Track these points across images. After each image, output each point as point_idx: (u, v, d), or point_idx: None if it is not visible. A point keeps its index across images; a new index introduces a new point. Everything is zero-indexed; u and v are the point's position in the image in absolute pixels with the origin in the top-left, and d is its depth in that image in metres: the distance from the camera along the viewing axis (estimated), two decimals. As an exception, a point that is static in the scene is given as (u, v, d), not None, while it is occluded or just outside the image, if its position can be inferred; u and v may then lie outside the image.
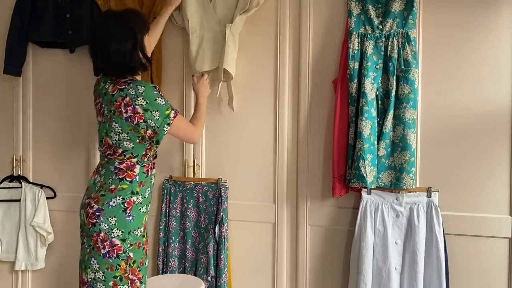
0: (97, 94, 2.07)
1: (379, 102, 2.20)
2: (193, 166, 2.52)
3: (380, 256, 2.18)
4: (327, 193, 2.34)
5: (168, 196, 2.51)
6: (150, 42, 2.11)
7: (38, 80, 2.75)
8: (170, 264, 2.48)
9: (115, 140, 1.96)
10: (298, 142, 2.39)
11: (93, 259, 1.92)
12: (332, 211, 2.35)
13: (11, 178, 2.76)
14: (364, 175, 2.11)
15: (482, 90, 2.14)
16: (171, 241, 2.48)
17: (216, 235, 2.40)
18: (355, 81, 2.20)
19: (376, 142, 2.17)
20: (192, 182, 2.49)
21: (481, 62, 2.14)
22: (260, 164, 2.44)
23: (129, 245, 1.93)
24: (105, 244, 1.90)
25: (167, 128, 1.96)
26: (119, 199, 1.93)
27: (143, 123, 1.93)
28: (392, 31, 2.18)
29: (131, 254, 1.94)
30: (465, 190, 2.17)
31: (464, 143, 2.17)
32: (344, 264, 2.33)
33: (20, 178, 2.74)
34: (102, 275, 1.91)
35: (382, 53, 2.19)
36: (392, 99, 2.14)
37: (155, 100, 1.93)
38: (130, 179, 1.97)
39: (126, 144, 1.96)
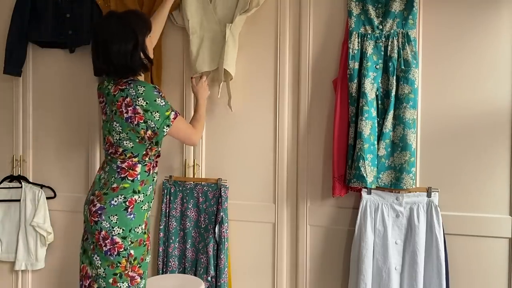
0: (100, 93, 2.09)
1: (379, 102, 2.20)
2: (193, 166, 2.52)
3: (380, 256, 2.18)
4: (327, 193, 2.34)
5: (168, 196, 2.51)
6: (152, 41, 2.12)
7: (38, 80, 2.75)
8: (170, 264, 2.48)
9: (116, 139, 1.99)
10: (298, 142, 2.39)
11: (95, 255, 1.96)
12: (332, 211, 2.35)
13: (11, 178, 2.76)
14: (364, 175, 2.11)
15: (482, 90, 2.14)
16: (171, 241, 2.48)
17: (216, 235, 2.40)
18: (355, 81, 2.20)
19: (376, 142, 2.17)
20: (192, 182, 2.49)
21: (481, 62, 2.14)
22: (260, 164, 2.44)
23: (130, 242, 1.95)
24: (107, 242, 1.93)
25: (166, 129, 1.97)
26: (120, 198, 1.96)
27: (143, 124, 1.94)
28: (392, 31, 2.18)
29: (132, 251, 1.96)
30: (465, 190, 2.17)
31: (464, 143, 2.17)
32: (344, 264, 2.33)
33: (20, 178, 2.74)
34: (103, 272, 1.94)
35: (382, 53, 2.19)
36: (392, 99, 2.14)
37: (155, 100, 1.94)
38: (131, 178, 1.99)
39: (126, 143, 1.98)
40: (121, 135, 1.97)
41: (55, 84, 2.73)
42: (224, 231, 2.40)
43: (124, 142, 1.98)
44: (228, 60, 2.31)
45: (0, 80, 2.75)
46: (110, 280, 1.94)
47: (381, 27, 2.20)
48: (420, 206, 2.16)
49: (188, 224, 2.47)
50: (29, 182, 2.74)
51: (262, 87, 2.43)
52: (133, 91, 1.94)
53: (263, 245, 2.45)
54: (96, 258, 1.96)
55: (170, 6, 2.33)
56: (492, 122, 2.13)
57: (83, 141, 2.69)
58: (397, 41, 2.16)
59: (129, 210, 1.96)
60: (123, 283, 1.95)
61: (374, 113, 2.17)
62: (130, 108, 1.93)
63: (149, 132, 1.96)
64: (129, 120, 1.94)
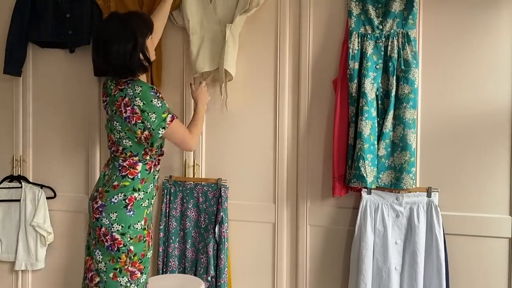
0: (104, 92, 2.12)
1: (379, 102, 2.20)
2: (193, 166, 2.52)
3: (380, 256, 2.18)
4: (327, 193, 2.34)
5: (168, 196, 2.51)
6: (153, 41, 2.14)
7: (38, 80, 2.75)
8: (170, 264, 2.48)
9: (117, 138, 2.03)
10: (298, 142, 2.39)
11: (97, 250, 2.01)
12: (332, 211, 2.35)
13: (11, 178, 2.76)
14: (364, 175, 2.11)
15: (482, 90, 2.14)
16: (171, 241, 2.48)
17: (216, 235, 2.40)
18: (355, 81, 2.20)
19: (376, 142, 2.17)
20: (192, 182, 2.49)
21: (481, 62, 2.14)
22: (260, 164, 2.44)
23: (129, 238, 1.98)
24: (107, 238, 1.98)
25: (162, 131, 1.98)
26: (121, 196, 2.00)
27: (141, 124, 1.96)
28: (392, 31, 2.18)
29: (131, 247, 1.99)
30: (465, 190, 2.17)
31: (464, 143, 2.17)
32: (344, 264, 2.33)
33: (20, 178, 2.74)
34: (104, 266, 2.00)
35: (382, 53, 2.19)
36: (392, 99, 2.14)
37: (151, 101, 1.96)
38: (132, 177, 2.02)
39: (125, 142, 2.02)
40: (121, 134, 2.01)
41: (55, 84, 2.73)
42: (224, 231, 2.40)
43: (124, 141, 2.02)
44: (228, 60, 2.31)
45: (0, 80, 2.75)
46: (111, 275, 1.99)
47: (381, 27, 2.20)
48: (420, 206, 2.16)
49: (188, 224, 2.47)
50: (29, 182, 2.74)
51: (262, 87, 2.43)
52: (131, 91, 1.96)
53: (263, 245, 2.45)
54: (98, 253, 2.01)
55: (171, 3, 2.33)
56: (492, 122, 2.13)
57: (83, 141, 2.69)
58: (397, 41, 2.16)
59: (129, 207, 2.00)
60: (123, 277, 1.99)
61: (374, 113, 2.17)
62: (129, 108, 1.96)
63: (146, 132, 1.98)
64: (127, 120, 1.97)
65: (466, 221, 2.16)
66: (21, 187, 2.71)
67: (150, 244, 2.10)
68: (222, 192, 2.43)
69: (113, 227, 1.98)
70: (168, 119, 1.98)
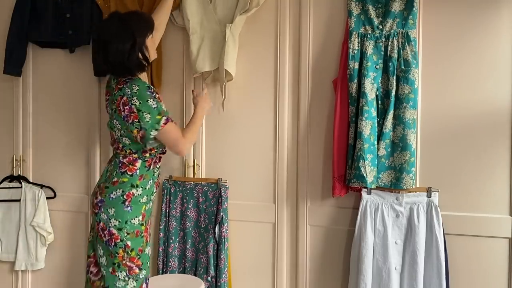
0: (107, 91, 2.16)
1: (379, 102, 2.20)
2: (193, 166, 2.52)
3: (380, 256, 2.18)
4: (327, 193, 2.34)
5: (168, 196, 2.51)
6: (155, 40, 2.15)
7: (38, 80, 2.75)
8: (170, 264, 2.48)
9: (117, 135, 2.08)
10: (298, 142, 2.39)
11: (99, 245, 2.06)
12: (332, 211, 2.35)
13: (11, 178, 2.76)
14: (364, 175, 2.11)
15: (482, 90, 2.14)
16: (171, 241, 2.48)
17: (216, 235, 2.40)
18: (355, 81, 2.20)
19: (376, 142, 2.17)
20: (192, 182, 2.49)
21: (481, 62, 2.14)
22: (260, 164, 2.44)
23: (126, 234, 2.02)
24: (105, 233, 2.02)
25: (154, 133, 1.99)
26: (119, 192, 2.03)
27: (137, 123, 1.99)
28: (392, 31, 2.18)
29: (128, 242, 2.02)
30: (465, 190, 2.17)
31: (464, 143, 2.17)
32: (344, 264, 2.33)
33: (20, 178, 2.74)
34: (105, 261, 2.05)
35: (382, 53, 2.19)
36: (392, 99, 2.14)
37: (147, 101, 1.98)
38: (130, 173, 2.06)
39: (124, 140, 2.06)
40: (121, 132, 2.05)
41: (55, 84, 2.73)
42: (224, 231, 2.40)
43: (123, 139, 2.06)
44: (229, 60, 2.31)
45: (0, 80, 2.75)
46: (110, 269, 2.04)
47: (381, 27, 2.20)
48: (420, 206, 2.16)
49: (188, 224, 2.47)
50: (29, 182, 2.74)
51: (262, 87, 2.43)
52: (129, 90, 1.99)
53: (263, 245, 2.45)
54: (99, 247, 2.06)
55: (173, 1, 2.32)
56: (492, 122, 2.13)
57: (83, 141, 2.69)
58: (397, 41, 2.16)
59: (126, 203, 2.03)
60: (121, 272, 2.03)
61: (374, 113, 2.17)
62: (127, 107, 1.99)
63: (142, 132, 2.00)
64: (125, 119, 2.00)
65: (466, 221, 2.16)
66: (21, 187, 2.71)
67: (148, 240, 2.12)
68: (222, 192, 2.43)
69: (111, 222, 2.01)
70: (162, 121, 1.99)
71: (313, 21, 2.35)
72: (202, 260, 2.42)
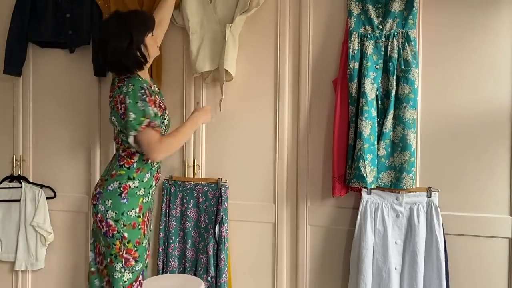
0: (111, 88, 2.20)
1: (379, 102, 2.20)
2: (193, 166, 2.52)
3: (380, 256, 2.18)
4: (327, 193, 2.34)
5: (168, 196, 2.51)
6: (156, 38, 2.18)
7: (38, 80, 2.75)
8: (170, 264, 2.48)
9: (116, 131, 2.15)
10: (298, 142, 2.39)
11: (100, 235, 2.13)
12: (332, 211, 2.35)
13: (11, 178, 2.76)
14: (364, 175, 2.11)
15: (482, 90, 2.14)
16: (171, 241, 2.48)
17: (216, 235, 2.40)
18: (355, 81, 2.20)
19: (376, 142, 2.17)
20: (192, 182, 2.49)
21: (481, 62, 2.14)
22: (260, 164, 2.44)
23: (122, 225, 2.05)
24: (103, 224, 2.07)
25: (133, 133, 2.01)
26: (116, 184, 2.08)
27: (126, 121, 2.02)
28: (392, 31, 2.18)
29: (125, 234, 2.06)
30: (465, 190, 2.17)
31: (464, 143, 2.17)
32: (344, 264, 2.33)
33: (20, 178, 2.74)
34: (104, 251, 2.12)
35: (382, 53, 2.19)
36: (392, 99, 2.14)
37: (137, 102, 2.00)
38: (128, 166, 2.10)
39: (122, 136, 2.11)
40: (118, 128, 2.10)
41: (55, 84, 2.73)
42: (224, 231, 2.40)
43: (121, 134, 2.11)
44: (229, 60, 2.31)
45: (0, 80, 2.75)
46: (108, 260, 2.10)
47: (381, 27, 2.20)
48: (420, 206, 2.16)
49: (188, 224, 2.47)
50: (29, 182, 2.74)
51: (262, 87, 2.43)
52: (125, 88, 2.03)
53: (263, 245, 2.45)
54: (99, 238, 2.14)
55: None
56: (492, 122, 2.13)
57: (83, 141, 2.69)
58: (397, 41, 2.16)
59: (123, 195, 2.07)
60: (117, 263, 2.07)
61: (374, 113, 2.17)
62: (123, 105, 2.02)
63: (127, 130, 2.04)
64: (122, 117, 2.04)
65: (466, 221, 2.16)
66: (21, 187, 2.71)
67: (146, 233, 2.14)
68: (222, 192, 2.43)
69: (108, 214, 2.06)
70: (144, 123, 1.99)
71: (313, 21, 2.35)
72: (202, 260, 2.42)
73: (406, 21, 2.16)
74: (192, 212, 2.48)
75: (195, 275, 2.44)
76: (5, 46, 2.64)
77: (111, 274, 2.09)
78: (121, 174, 2.09)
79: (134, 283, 2.10)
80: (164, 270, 2.49)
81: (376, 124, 2.18)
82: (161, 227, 2.49)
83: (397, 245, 2.18)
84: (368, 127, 2.14)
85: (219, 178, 2.46)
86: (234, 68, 2.36)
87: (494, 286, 2.15)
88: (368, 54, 2.18)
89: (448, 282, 2.12)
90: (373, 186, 2.16)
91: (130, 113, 1.99)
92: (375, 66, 2.18)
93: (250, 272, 2.47)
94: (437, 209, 2.14)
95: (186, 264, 2.47)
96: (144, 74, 2.17)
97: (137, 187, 2.10)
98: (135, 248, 2.08)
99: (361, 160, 2.12)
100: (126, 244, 2.06)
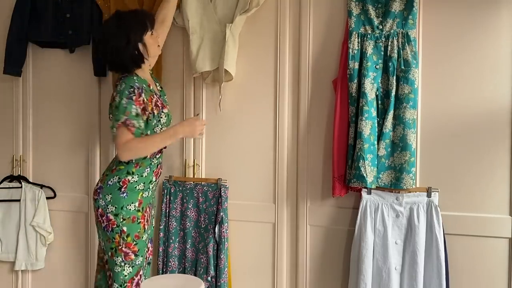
0: (113, 86, 2.25)
1: (379, 102, 2.20)
2: (193, 166, 2.52)
3: (380, 256, 2.18)
4: (327, 193, 2.34)
5: (168, 196, 2.51)
6: (157, 36, 2.19)
7: (38, 80, 2.75)
8: (170, 264, 2.48)
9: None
10: (298, 142, 2.39)
11: (99, 230, 2.15)
12: (332, 211, 2.35)
13: (11, 178, 2.76)
14: (364, 175, 2.11)
15: (482, 90, 2.14)
16: (171, 241, 2.48)
17: (216, 235, 2.40)
18: (355, 81, 2.20)
19: (376, 142, 2.17)
20: (192, 182, 2.49)
21: (481, 62, 2.14)
22: (260, 164, 2.44)
23: (122, 219, 2.07)
24: (103, 219, 2.09)
25: (112, 130, 2.06)
26: (115, 179, 2.11)
27: None
28: (392, 31, 2.18)
29: (124, 228, 2.08)
30: (465, 190, 2.17)
31: (464, 143, 2.17)
32: (344, 264, 2.33)
33: (20, 178, 2.74)
34: (104, 245, 2.14)
35: (382, 53, 2.19)
36: (392, 99, 2.14)
37: (122, 100, 2.03)
38: (126, 161, 2.11)
39: None
40: None
41: (55, 84, 2.73)
42: (224, 231, 2.40)
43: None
44: (229, 60, 2.31)
45: (0, 80, 2.75)
46: (109, 254, 2.12)
47: (381, 27, 2.20)
48: (420, 206, 2.16)
49: (188, 224, 2.47)
50: (29, 182, 2.74)
51: (262, 87, 2.43)
52: (119, 87, 2.08)
53: (263, 245, 2.45)
54: (100, 233, 2.16)
55: None
56: (493, 121, 2.13)
57: (83, 141, 2.69)
58: (397, 41, 2.16)
59: (122, 189, 2.09)
60: (117, 257, 2.09)
61: (374, 113, 2.17)
62: (114, 103, 2.07)
63: None
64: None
65: (466, 221, 2.16)
66: (21, 187, 2.71)
67: (145, 227, 2.15)
68: (222, 192, 2.43)
69: (108, 208, 2.08)
70: (121, 120, 2.01)
71: (313, 21, 2.35)
72: (202, 260, 2.42)
73: (406, 21, 2.16)
74: (192, 212, 2.48)
75: (195, 275, 2.44)
76: (5, 46, 2.64)
77: (112, 268, 2.11)
78: (120, 169, 2.11)
79: (134, 277, 2.12)
80: (164, 270, 2.49)
81: (376, 124, 2.18)
82: (161, 227, 2.49)
83: (397, 245, 2.18)
84: (368, 127, 2.14)
85: (219, 178, 2.46)
86: (234, 68, 2.36)
87: (494, 286, 2.15)
88: (368, 54, 2.18)
89: (448, 282, 2.12)
90: (373, 186, 2.16)
91: (115, 110, 2.04)
92: (375, 66, 2.18)
93: (250, 272, 2.47)
94: (437, 209, 2.14)
95: (186, 264, 2.47)
96: (144, 73, 2.18)
97: (136, 181, 2.11)
98: (135, 242, 2.10)
99: (361, 160, 2.12)
100: (125, 238, 2.08)
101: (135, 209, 2.10)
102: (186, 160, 2.54)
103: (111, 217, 2.07)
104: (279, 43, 2.39)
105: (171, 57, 2.54)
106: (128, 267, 2.10)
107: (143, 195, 2.14)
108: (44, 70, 2.74)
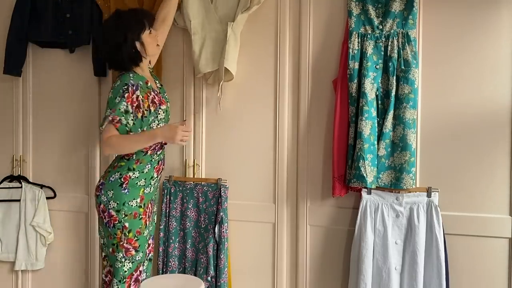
0: None
1: (379, 102, 2.20)
2: (193, 166, 2.52)
3: (380, 256, 2.18)
4: (327, 193, 2.34)
5: (168, 196, 2.51)
6: (155, 35, 2.20)
7: (38, 80, 2.75)
8: (170, 264, 2.48)
9: None
10: (298, 142, 2.39)
11: (100, 227, 2.17)
12: (332, 211, 2.35)
13: (11, 178, 2.76)
14: (364, 175, 2.11)
15: (482, 90, 2.14)
16: (171, 241, 2.48)
17: (216, 235, 2.40)
18: (355, 81, 2.20)
19: (376, 142, 2.17)
20: (192, 182, 2.49)
21: (481, 62, 2.14)
22: (260, 164, 2.44)
23: (123, 215, 2.09)
24: (105, 215, 2.11)
25: (101, 124, 2.10)
26: (117, 175, 2.13)
27: None
28: (392, 31, 2.18)
29: (126, 224, 2.10)
30: (465, 190, 2.17)
31: (464, 143, 2.17)
32: (344, 264, 2.33)
33: (20, 178, 2.74)
34: (105, 241, 2.15)
35: (382, 53, 2.19)
36: (392, 99, 2.14)
37: (115, 97, 2.06)
38: (127, 157, 2.14)
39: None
40: None
41: (55, 84, 2.73)
42: (224, 231, 2.40)
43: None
44: (229, 59, 2.31)
45: (0, 80, 2.75)
46: (110, 249, 2.14)
47: (381, 27, 2.20)
48: (420, 206, 2.16)
49: (188, 224, 2.47)
50: (29, 182, 2.74)
51: (262, 87, 2.43)
52: (114, 84, 2.12)
53: (263, 245, 2.45)
54: (101, 229, 2.17)
55: None
56: (492, 122, 2.13)
57: (83, 141, 2.69)
58: (397, 41, 2.16)
59: (124, 185, 2.11)
60: (118, 253, 2.11)
61: (374, 113, 2.17)
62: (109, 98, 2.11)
63: None
64: None
65: (466, 221, 2.16)
66: (21, 187, 2.71)
67: (147, 223, 2.17)
68: (222, 192, 2.43)
69: (110, 204, 2.10)
70: (109, 118, 2.04)
71: (313, 21, 2.35)
72: (202, 260, 2.42)
73: (406, 21, 2.16)
74: (192, 212, 2.48)
75: (195, 275, 2.44)
76: (5, 46, 2.64)
77: (113, 264, 2.13)
78: (122, 166, 2.13)
79: (134, 273, 2.14)
80: (164, 270, 2.49)
81: (376, 124, 2.18)
82: (161, 227, 2.49)
83: (397, 245, 2.18)
84: (368, 127, 2.14)
85: (219, 178, 2.46)
86: (235, 67, 2.36)
87: (494, 286, 2.15)
88: (368, 54, 2.18)
89: (448, 282, 2.12)
90: (373, 186, 2.16)
91: (107, 105, 2.08)
92: (375, 66, 2.18)
93: (250, 272, 2.47)
94: (437, 209, 2.14)
95: (186, 264, 2.47)
96: (143, 70, 2.20)
97: (137, 177, 2.13)
98: (136, 238, 2.12)
99: (361, 160, 2.12)
100: (127, 234, 2.10)
101: (136, 205, 2.12)
102: (186, 160, 2.54)
103: (113, 213, 2.09)
104: (279, 43, 2.39)
105: (172, 57, 2.54)
106: (128, 263, 2.12)
107: (145, 191, 2.16)
108: (44, 70, 2.74)
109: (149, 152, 2.15)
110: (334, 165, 2.23)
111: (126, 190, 2.11)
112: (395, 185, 2.16)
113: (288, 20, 2.38)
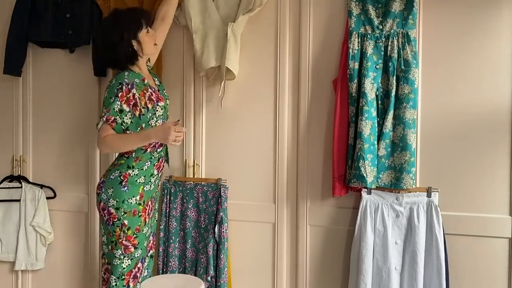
0: None
1: (379, 102, 2.20)
2: (193, 166, 2.52)
3: (380, 256, 2.18)
4: (327, 193, 2.34)
5: (168, 196, 2.51)
6: (153, 35, 2.21)
7: (38, 80, 2.75)
8: (170, 264, 2.48)
9: None
10: (298, 142, 2.39)
11: (101, 224, 2.21)
12: (332, 211, 2.35)
13: (11, 178, 2.76)
14: (364, 175, 2.11)
15: (482, 90, 2.14)
16: (171, 241, 2.48)
17: (216, 235, 2.40)
18: (355, 81, 2.20)
19: (376, 142, 2.17)
20: (192, 182, 2.49)
21: (481, 62, 2.14)
22: (260, 164, 2.44)
23: (123, 213, 2.11)
24: (105, 212, 2.13)
25: (97, 123, 2.12)
26: (117, 173, 2.15)
27: None
28: (392, 31, 2.18)
29: (125, 221, 2.12)
30: (465, 190, 2.17)
31: (464, 143, 2.17)
32: (344, 264, 2.33)
33: (20, 178, 2.74)
34: (105, 239, 2.17)
35: (382, 53, 2.19)
36: (392, 99, 2.14)
37: (110, 96, 2.09)
38: (127, 155, 2.16)
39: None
40: None
41: (55, 84, 2.73)
42: (224, 231, 2.40)
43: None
44: (230, 59, 2.31)
45: (0, 80, 2.75)
46: (109, 247, 2.16)
47: (381, 27, 2.20)
48: (420, 206, 2.16)
49: (188, 224, 2.47)
50: (29, 182, 2.74)
51: (262, 87, 2.43)
52: (110, 83, 2.14)
53: (263, 245, 2.45)
54: (101, 226, 2.21)
55: None
56: (492, 122, 2.13)
57: (83, 141, 2.69)
58: (397, 41, 2.16)
59: (123, 183, 2.13)
60: (117, 250, 2.13)
61: (374, 113, 2.17)
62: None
63: None
64: None
65: (466, 221, 2.16)
66: (21, 187, 2.71)
67: (146, 220, 2.18)
68: (222, 192, 2.43)
69: (109, 202, 2.11)
70: (104, 118, 2.08)
71: (313, 21, 2.35)
72: (202, 260, 2.42)
73: (406, 21, 2.16)
74: (192, 212, 2.48)
75: (195, 275, 2.44)
76: (5, 46, 2.64)
77: (111, 261, 2.14)
78: (121, 163, 2.15)
79: (132, 270, 2.15)
80: (164, 270, 2.49)
81: (376, 124, 2.18)
82: (161, 227, 2.49)
83: (397, 245, 2.18)
84: (368, 127, 2.14)
85: (219, 178, 2.46)
86: (237, 66, 2.36)
87: (494, 286, 2.15)
88: (368, 54, 2.18)
89: (448, 282, 2.12)
90: (373, 186, 2.16)
91: (103, 104, 2.11)
92: (375, 66, 2.18)
93: (250, 272, 2.47)
94: (437, 209, 2.14)
95: (186, 264, 2.47)
96: (140, 68, 2.21)
97: (137, 175, 2.15)
98: (135, 235, 2.13)
99: (361, 160, 2.12)
100: (126, 231, 2.11)
101: (136, 202, 2.13)
102: (186, 160, 2.54)
103: (112, 210, 2.11)
104: (279, 43, 2.39)
105: (172, 56, 2.54)
106: (127, 260, 2.13)
107: (144, 188, 2.17)
108: (44, 70, 2.74)
109: (148, 149, 2.16)
110: (334, 165, 2.23)
111: (126, 188, 2.12)
112: (395, 185, 2.16)
113: (288, 20, 2.38)
